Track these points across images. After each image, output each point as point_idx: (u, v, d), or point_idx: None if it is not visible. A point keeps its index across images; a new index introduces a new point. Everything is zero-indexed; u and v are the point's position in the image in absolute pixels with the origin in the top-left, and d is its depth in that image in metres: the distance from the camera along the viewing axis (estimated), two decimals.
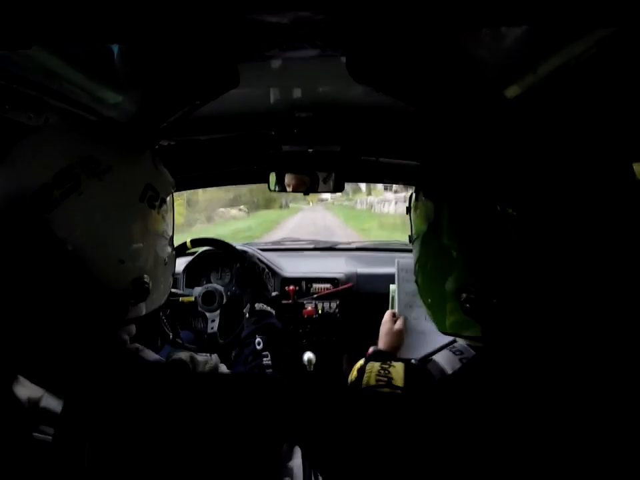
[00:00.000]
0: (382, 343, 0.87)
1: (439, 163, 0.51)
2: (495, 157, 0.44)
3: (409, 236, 0.59)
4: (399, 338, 0.87)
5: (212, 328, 1.21)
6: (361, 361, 0.79)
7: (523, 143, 0.44)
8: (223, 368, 0.77)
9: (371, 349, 0.86)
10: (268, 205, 22.66)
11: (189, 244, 1.22)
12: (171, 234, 0.64)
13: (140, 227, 0.55)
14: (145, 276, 0.56)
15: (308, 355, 1.35)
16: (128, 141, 0.58)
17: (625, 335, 0.39)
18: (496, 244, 0.43)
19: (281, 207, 23.62)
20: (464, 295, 0.46)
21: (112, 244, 0.52)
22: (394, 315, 0.91)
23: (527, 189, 0.41)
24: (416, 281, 0.56)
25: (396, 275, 0.95)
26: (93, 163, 0.51)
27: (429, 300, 0.54)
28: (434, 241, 0.50)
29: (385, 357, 0.82)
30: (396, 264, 0.96)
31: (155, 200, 0.57)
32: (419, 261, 0.55)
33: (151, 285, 0.57)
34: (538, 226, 0.41)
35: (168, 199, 0.61)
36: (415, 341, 0.89)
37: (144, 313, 0.59)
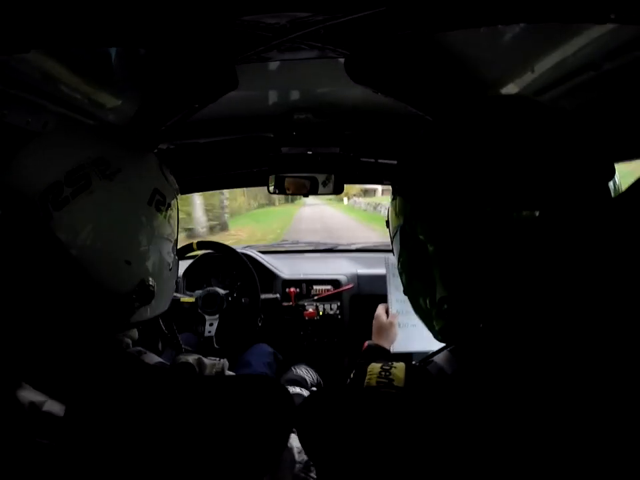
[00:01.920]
0: (375, 337, 0.89)
1: (410, 161, 0.51)
2: (471, 155, 0.43)
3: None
4: (392, 331, 0.89)
5: (209, 332, 1.21)
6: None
7: (504, 140, 0.42)
8: (230, 373, 0.77)
9: (366, 344, 0.89)
10: None
11: (194, 245, 1.23)
12: (175, 239, 0.64)
13: (147, 230, 0.56)
14: (150, 279, 0.56)
15: None
16: (137, 144, 0.58)
17: (616, 334, 0.39)
18: (469, 239, 0.42)
19: None
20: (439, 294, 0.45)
21: (119, 245, 0.53)
22: (386, 308, 0.93)
23: (507, 186, 0.41)
24: (401, 281, 0.56)
25: (386, 272, 0.98)
26: (104, 164, 0.51)
27: (414, 299, 0.53)
28: (410, 237, 0.48)
29: (379, 351, 0.85)
30: (385, 261, 1.00)
31: (162, 204, 0.58)
32: (399, 258, 0.54)
33: (155, 288, 0.57)
34: (519, 225, 0.40)
35: (173, 204, 0.62)
36: (407, 334, 0.92)
37: (148, 317, 0.59)
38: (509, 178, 0.40)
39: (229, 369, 0.82)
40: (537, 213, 0.39)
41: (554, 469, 0.37)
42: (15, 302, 0.47)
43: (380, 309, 0.93)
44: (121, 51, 0.64)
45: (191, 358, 0.67)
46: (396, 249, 0.54)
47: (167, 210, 0.59)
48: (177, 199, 0.64)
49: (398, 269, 0.55)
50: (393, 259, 0.93)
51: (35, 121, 0.68)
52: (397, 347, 0.90)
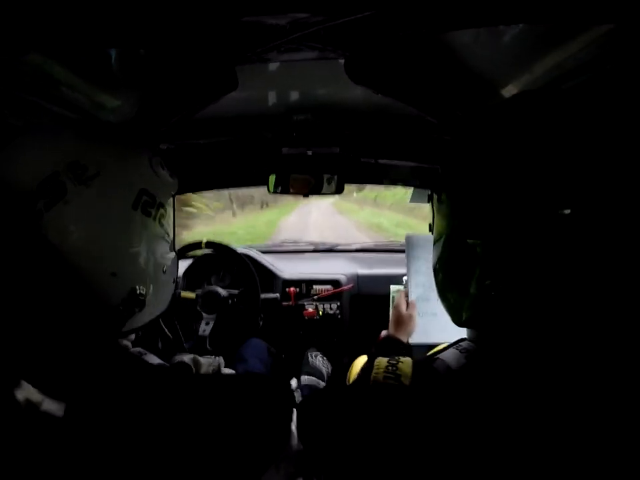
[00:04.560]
0: (393, 329, 0.85)
1: (460, 166, 0.51)
2: (513, 156, 0.43)
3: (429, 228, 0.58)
4: (411, 323, 0.85)
5: (204, 331, 1.19)
6: (363, 358, 0.78)
7: (546, 140, 0.42)
8: (227, 371, 0.77)
9: (382, 334, 0.85)
10: None
11: (203, 244, 1.23)
12: (171, 238, 0.60)
13: (133, 237, 0.52)
14: (141, 287, 0.53)
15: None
16: (119, 142, 0.54)
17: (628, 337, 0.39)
18: (522, 243, 0.42)
19: None
20: (486, 283, 0.45)
21: (102, 257, 0.49)
22: (407, 296, 0.88)
23: (552, 188, 0.40)
24: (435, 279, 0.55)
25: (407, 254, 0.89)
26: (79, 168, 0.47)
27: (447, 295, 0.53)
28: (458, 241, 0.48)
29: (395, 344, 0.81)
30: (407, 240, 0.90)
31: (151, 206, 0.53)
32: (440, 260, 0.54)
33: (147, 295, 0.54)
34: (569, 226, 0.40)
35: (166, 201, 0.57)
36: (427, 324, 0.86)
37: (142, 323, 0.56)
38: (568, 180, 0.40)
39: (226, 366, 0.82)
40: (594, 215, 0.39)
41: (559, 464, 0.37)
42: (10, 305, 0.47)
43: (400, 299, 0.87)
44: (121, 51, 0.64)
45: (187, 357, 0.67)
46: (437, 250, 0.55)
47: (157, 210, 0.54)
48: (172, 194, 0.60)
49: (435, 267, 0.55)
50: (415, 238, 0.91)
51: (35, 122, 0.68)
52: (416, 338, 0.85)
